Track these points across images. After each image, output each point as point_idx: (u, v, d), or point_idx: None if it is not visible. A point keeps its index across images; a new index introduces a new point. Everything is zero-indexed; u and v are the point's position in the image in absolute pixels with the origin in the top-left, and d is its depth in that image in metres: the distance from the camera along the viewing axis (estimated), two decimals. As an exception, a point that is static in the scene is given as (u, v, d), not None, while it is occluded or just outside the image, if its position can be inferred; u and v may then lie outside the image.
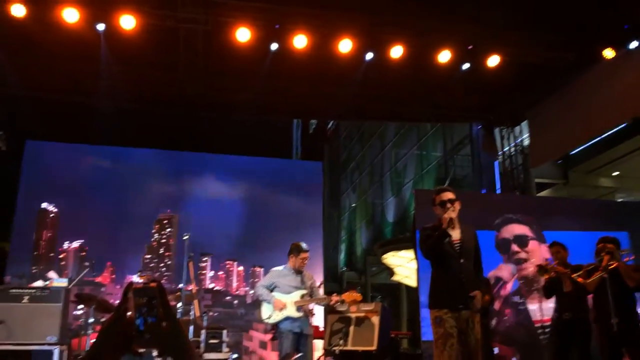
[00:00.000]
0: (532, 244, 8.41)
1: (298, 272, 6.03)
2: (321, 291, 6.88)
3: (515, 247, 8.45)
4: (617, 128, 9.63)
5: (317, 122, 25.18)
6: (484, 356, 5.92)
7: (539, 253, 8.25)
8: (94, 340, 1.31)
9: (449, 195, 4.51)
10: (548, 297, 6.08)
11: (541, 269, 5.77)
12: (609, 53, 8.36)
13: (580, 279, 5.45)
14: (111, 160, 10.37)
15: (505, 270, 8.27)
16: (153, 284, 1.18)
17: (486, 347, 6.15)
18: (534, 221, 8.46)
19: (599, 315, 5.41)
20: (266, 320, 5.94)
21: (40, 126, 10.60)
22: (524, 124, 10.90)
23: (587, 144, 10.63)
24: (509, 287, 8.14)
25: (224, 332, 7.85)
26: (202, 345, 7.26)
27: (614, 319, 5.12)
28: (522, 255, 8.37)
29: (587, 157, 11.29)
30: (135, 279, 8.45)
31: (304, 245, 6.06)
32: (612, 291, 5.16)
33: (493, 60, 8.67)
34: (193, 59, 8.75)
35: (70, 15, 7.50)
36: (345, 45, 8.28)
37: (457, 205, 4.50)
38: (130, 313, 1.17)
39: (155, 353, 1.25)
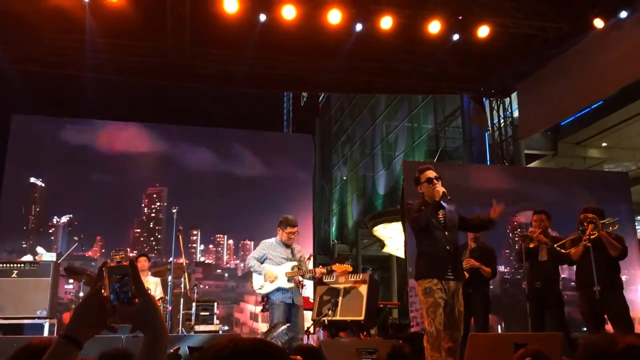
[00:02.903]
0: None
1: (287, 244, 6.06)
2: (311, 264, 6.94)
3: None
4: (606, 98, 9.64)
5: (308, 94, 25.05)
6: (480, 326, 6.02)
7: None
8: (70, 316, 1.33)
9: (433, 172, 4.62)
10: (520, 263, 6.18)
11: (526, 238, 5.85)
12: (599, 23, 8.31)
13: (563, 250, 5.52)
14: (99, 133, 10.27)
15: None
16: (125, 262, 1.20)
17: (483, 317, 6.18)
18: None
19: (582, 283, 5.49)
20: (258, 291, 6.00)
21: (26, 100, 10.48)
22: (514, 97, 10.89)
23: (577, 115, 10.66)
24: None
25: (215, 304, 7.93)
26: (193, 317, 7.33)
27: (596, 286, 5.20)
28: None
29: (576, 129, 11.34)
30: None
31: (292, 219, 6.05)
32: (595, 259, 5.23)
33: (483, 31, 8.60)
34: (180, 30, 8.64)
35: (54, -14, 7.35)
36: (334, 16, 8.18)
37: (440, 182, 4.61)
38: (104, 290, 1.19)
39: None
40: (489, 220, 4.74)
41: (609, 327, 5.53)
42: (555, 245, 5.61)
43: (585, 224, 5.32)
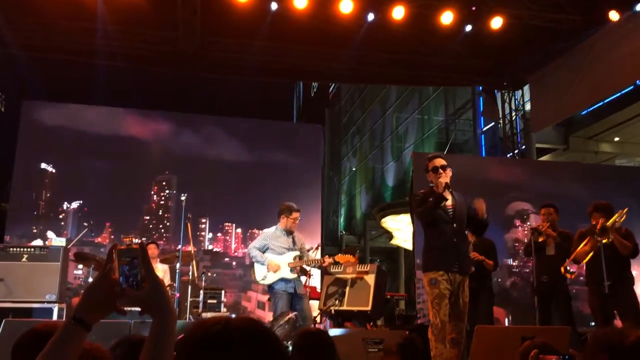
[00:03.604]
0: (532, 217, 8.57)
1: (289, 232, 6.05)
2: (319, 253, 6.94)
3: (517, 222, 8.76)
4: (620, 93, 9.54)
5: (318, 85, 24.97)
6: (485, 318, 6.02)
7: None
8: (80, 298, 1.33)
9: (441, 161, 4.61)
10: (528, 256, 6.16)
11: (535, 231, 5.84)
12: (614, 15, 8.20)
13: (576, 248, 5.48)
14: (109, 120, 10.29)
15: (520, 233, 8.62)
16: (135, 246, 1.20)
17: (487, 310, 6.18)
18: (534, 198, 8.58)
19: (592, 278, 5.45)
20: (260, 282, 6.01)
21: (37, 86, 10.53)
22: (526, 89, 10.79)
23: (589, 109, 10.56)
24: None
25: (222, 292, 7.97)
26: (201, 305, 7.37)
27: (606, 281, 5.17)
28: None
29: (588, 123, 11.24)
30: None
31: (294, 205, 6.07)
32: (605, 256, 5.19)
33: (496, 22, 8.51)
34: (191, 18, 8.61)
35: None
36: (346, 6, 8.12)
37: (449, 172, 4.58)
38: (114, 273, 1.19)
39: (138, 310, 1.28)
40: (482, 220, 4.69)
41: (618, 323, 5.50)
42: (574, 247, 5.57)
43: (597, 230, 5.23)
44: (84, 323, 1.25)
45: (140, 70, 11.07)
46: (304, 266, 6.08)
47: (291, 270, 5.87)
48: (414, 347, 3.41)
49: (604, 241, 5.20)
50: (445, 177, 4.52)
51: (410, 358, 2.96)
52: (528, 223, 8.49)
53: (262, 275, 5.93)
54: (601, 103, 10.13)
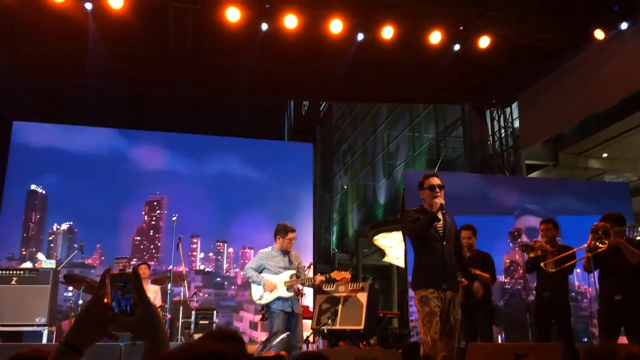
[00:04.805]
0: (524, 236, 8.61)
1: (285, 252, 6.06)
2: (311, 272, 6.92)
3: (524, 238, 8.67)
4: (607, 109, 9.66)
5: (309, 103, 25.08)
6: (484, 335, 5.98)
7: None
8: (72, 323, 1.32)
9: (438, 181, 4.63)
10: (529, 272, 6.13)
11: (527, 247, 5.83)
12: (599, 34, 8.35)
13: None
14: (99, 141, 10.28)
15: (519, 255, 8.53)
16: (128, 271, 1.19)
17: (487, 327, 6.11)
18: (527, 214, 8.59)
19: (602, 292, 5.36)
20: (257, 301, 5.99)
21: (28, 107, 10.50)
22: (515, 107, 10.91)
23: (578, 126, 10.67)
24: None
25: (214, 313, 7.91)
26: (192, 326, 7.30)
27: (617, 295, 5.12)
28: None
29: (577, 139, 11.34)
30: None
31: (290, 225, 6.07)
32: (616, 268, 5.14)
33: (484, 42, 8.64)
34: (182, 38, 8.66)
35: (57, -6, 7.38)
36: (336, 26, 8.21)
37: (442, 193, 4.59)
38: (106, 298, 1.18)
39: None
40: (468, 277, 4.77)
41: (623, 339, 5.42)
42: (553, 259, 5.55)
43: (600, 233, 5.16)
44: (75, 348, 1.24)
45: (131, 90, 11.09)
46: (298, 285, 6.06)
47: (288, 289, 5.86)
48: (417, 353, 3.34)
49: (604, 243, 5.11)
50: (441, 198, 4.55)
51: None
52: (519, 240, 8.50)
53: (259, 295, 5.92)
54: (589, 119, 10.24)
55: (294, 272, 5.98)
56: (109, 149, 10.22)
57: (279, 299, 5.85)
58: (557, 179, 11.33)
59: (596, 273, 5.37)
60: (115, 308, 1.27)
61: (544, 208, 8.56)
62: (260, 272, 5.97)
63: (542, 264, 5.65)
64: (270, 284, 5.84)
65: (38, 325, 5.76)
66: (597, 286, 5.24)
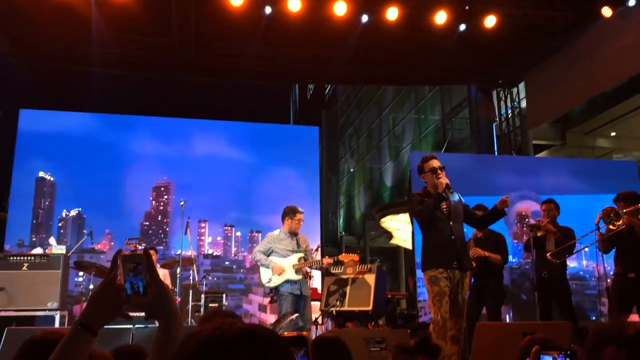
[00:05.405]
0: (532, 214, 8.58)
1: (293, 235, 6.09)
2: (319, 255, 6.97)
3: (516, 219, 8.74)
4: (615, 87, 9.57)
5: (314, 86, 24.99)
6: (492, 317, 6.01)
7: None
8: (86, 303, 1.34)
9: (437, 162, 4.65)
10: (528, 252, 6.15)
11: (534, 227, 5.85)
12: (607, 11, 8.24)
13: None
14: (105, 127, 10.31)
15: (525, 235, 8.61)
16: (139, 252, 1.20)
17: (495, 308, 6.12)
18: (532, 195, 8.58)
19: (617, 269, 5.38)
20: (266, 284, 6.04)
21: (34, 94, 10.53)
22: (522, 87, 10.83)
23: (585, 105, 10.59)
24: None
25: (224, 296, 7.97)
26: (202, 309, 7.37)
27: (631, 273, 5.15)
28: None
29: (584, 118, 11.28)
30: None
31: (297, 207, 6.12)
32: (630, 247, 5.17)
33: (490, 21, 8.55)
34: (186, 23, 8.63)
35: (60, -19, 7.36)
36: (340, 8, 8.15)
37: (444, 172, 4.62)
38: (119, 279, 1.20)
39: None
40: (495, 211, 4.72)
41: (633, 317, 5.45)
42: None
43: (607, 217, 5.17)
44: (89, 328, 1.27)
45: (136, 76, 11.08)
46: (306, 268, 6.10)
47: (296, 272, 5.91)
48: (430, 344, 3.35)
49: (616, 224, 5.14)
50: (445, 178, 4.57)
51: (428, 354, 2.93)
52: (527, 220, 8.50)
53: (267, 278, 5.97)
54: (597, 98, 10.16)
55: (301, 255, 6.02)
56: (115, 134, 10.25)
57: (287, 281, 5.90)
58: (564, 158, 11.27)
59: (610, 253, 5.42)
60: (128, 289, 1.29)
61: (551, 188, 8.53)
62: (269, 255, 6.01)
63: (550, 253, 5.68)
64: (279, 267, 5.88)
65: (50, 310, 5.83)
66: (605, 265, 5.26)
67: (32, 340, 1.69)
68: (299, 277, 5.94)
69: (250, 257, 10.66)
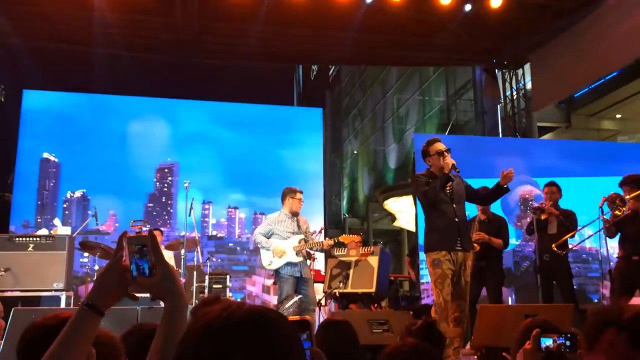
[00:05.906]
0: (535, 197, 8.56)
1: (294, 215, 6.09)
2: (322, 237, 6.99)
3: (519, 202, 8.68)
4: (621, 69, 9.48)
5: (318, 68, 24.83)
6: (493, 299, 6.06)
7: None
8: (93, 284, 1.35)
9: (442, 145, 4.65)
10: (530, 235, 6.17)
11: (537, 210, 5.86)
12: (614, -8, 8.14)
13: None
14: (109, 108, 10.31)
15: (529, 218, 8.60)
16: (145, 233, 1.21)
17: (496, 290, 6.17)
18: (536, 177, 8.55)
19: (622, 252, 5.41)
20: (267, 267, 6.06)
21: (37, 75, 10.50)
22: (527, 68, 10.73)
23: (591, 87, 10.51)
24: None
25: (227, 277, 8.03)
26: (207, 290, 7.43)
27: (635, 256, 5.17)
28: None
29: (590, 100, 11.19)
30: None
31: (295, 187, 6.12)
32: (636, 231, 5.18)
33: (496, 1, 8.46)
34: (189, 4, 8.57)
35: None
36: (344, -13, 8.07)
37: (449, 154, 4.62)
38: (124, 260, 1.21)
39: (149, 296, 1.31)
40: (499, 188, 4.71)
41: (635, 300, 5.47)
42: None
43: (613, 203, 5.18)
44: (96, 309, 1.28)
45: (139, 58, 11.04)
46: (308, 249, 6.12)
47: (297, 254, 5.93)
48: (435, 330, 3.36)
49: (622, 210, 5.16)
50: (451, 159, 4.57)
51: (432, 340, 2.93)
52: (530, 203, 8.49)
53: (268, 260, 5.98)
54: (602, 80, 10.07)
55: (302, 236, 6.03)
56: (119, 115, 10.25)
57: (288, 264, 5.91)
58: (569, 140, 11.22)
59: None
60: (133, 271, 1.30)
61: (555, 171, 8.50)
62: (269, 238, 6.02)
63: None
64: (280, 250, 5.89)
65: (56, 291, 5.89)
66: (608, 248, 5.27)
67: (34, 326, 1.68)
68: (299, 259, 5.96)
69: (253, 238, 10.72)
